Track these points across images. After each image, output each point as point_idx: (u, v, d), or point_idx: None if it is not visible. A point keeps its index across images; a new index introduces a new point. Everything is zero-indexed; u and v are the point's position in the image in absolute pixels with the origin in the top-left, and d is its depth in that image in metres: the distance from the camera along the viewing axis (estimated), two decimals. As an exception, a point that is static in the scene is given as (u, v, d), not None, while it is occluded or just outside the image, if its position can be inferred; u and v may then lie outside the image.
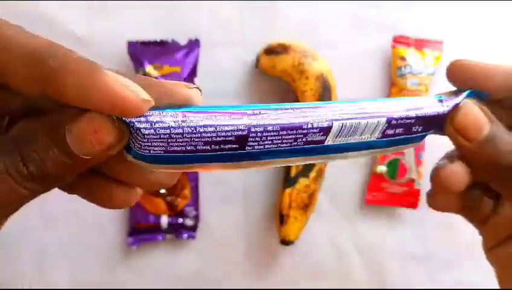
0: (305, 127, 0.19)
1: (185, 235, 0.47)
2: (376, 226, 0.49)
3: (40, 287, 0.47)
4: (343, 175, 0.49)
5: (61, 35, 0.44)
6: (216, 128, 0.18)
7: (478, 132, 0.22)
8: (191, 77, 0.46)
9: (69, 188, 0.21)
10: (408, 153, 0.47)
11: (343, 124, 0.19)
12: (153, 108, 0.17)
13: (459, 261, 0.49)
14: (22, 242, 0.47)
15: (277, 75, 0.46)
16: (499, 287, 0.25)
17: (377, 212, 0.49)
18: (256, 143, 0.18)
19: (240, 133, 0.18)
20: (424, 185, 0.47)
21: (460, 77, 0.26)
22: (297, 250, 0.48)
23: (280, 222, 0.45)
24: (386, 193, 0.48)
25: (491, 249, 0.25)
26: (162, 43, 0.45)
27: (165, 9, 0.46)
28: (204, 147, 0.18)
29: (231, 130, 0.18)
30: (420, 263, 0.49)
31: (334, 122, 0.19)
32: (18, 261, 0.47)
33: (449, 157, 0.24)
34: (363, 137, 0.21)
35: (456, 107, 0.23)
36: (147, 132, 0.17)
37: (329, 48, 0.47)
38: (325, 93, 0.44)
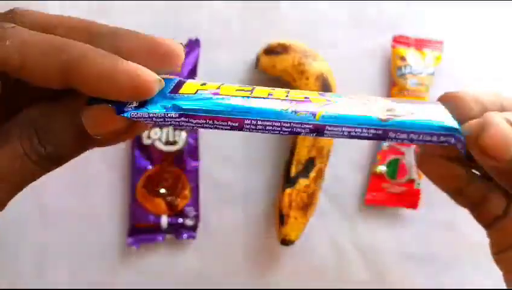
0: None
1: (185, 235, 0.47)
2: (376, 226, 0.49)
3: (40, 287, 0.47)
4: (343, 175, 0.49)
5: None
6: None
7: (508, 151, 0.19)
8: (191, 76, 0.46)
9: None
10: (408, 153, 0.47)
11: None
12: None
13: (460, 262, 0.49)
14: (22, 242, 0.47)
15: (277, 75, 0.46)
16: (499, 288, 0.24)
17: (377, 212, 0.49)
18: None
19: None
20: (424, 185, 0.47)
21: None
22: (297, 250, 0.48)
23: (280, 222, 0.45)
24: (386, 193, 0.48)
25: (499, 253, 0.24)
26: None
27: (165, 9, 0.46)
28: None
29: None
30: (420, 263, 0.49)
31: None
32: (18, 261, 0.47)
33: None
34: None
35: (479, 122, 0.19)
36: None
37: (329, 47, 0.47)
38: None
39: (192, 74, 0.46)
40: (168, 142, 0.46)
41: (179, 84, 0.20)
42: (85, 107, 0.18)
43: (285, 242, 0.45)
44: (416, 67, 0.47)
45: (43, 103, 0.19)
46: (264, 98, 0.20)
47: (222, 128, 0.20)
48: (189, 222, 0.47)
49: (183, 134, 0.47)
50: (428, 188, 0.47)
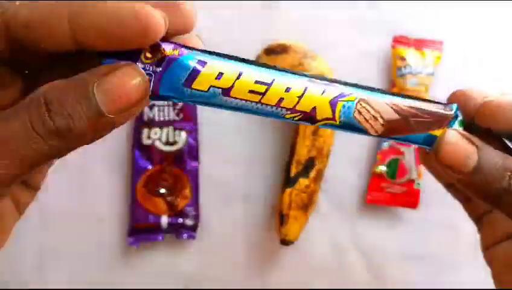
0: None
1: (185, 235, 0.47)
2: (376, 226, 0.49)
3: (40, 287, 0.47)
4: (343, 175, 0.49)
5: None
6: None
7: (465, 165, 0.21)
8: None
9: None
10: (408, 153, 0.47)
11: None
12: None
13: (460, 261, 0.49)
14: (22, 242, 0.47)
15: (277, 75, 0.46)
16: (499, 288, 0.25)
17: (377, 212, 0.49)
18: None
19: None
20: (424, 185, 0.47)
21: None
22: (297, 250, 0.48)
23: (280, 222, 0.45)
24: (386, 193, 0.48)
25: (488, 248, 0.25)
26: (162, 43, 0.45)
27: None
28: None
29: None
30: (420, 263, 0.49)
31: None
32: (18, 261, 0.47)
33: None
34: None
35: (438, 138, 0.22)
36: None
37: (329, 48, 0.47)
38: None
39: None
40: (168, 142, 0.46)
41: (195, 73, 0.20)
42: (100, 77, 0.17)
43: (285, 242, 0.45)
44: (416, 67, 0.47)
45: (57, 79, 0.18)
46: (271, 105, 0.21)
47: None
48: (189, 222, 0.47)
49: (183, 134, 0.47)
50: (428, 188, 0.47)
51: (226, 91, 0.21)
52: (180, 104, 0.47)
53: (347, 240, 0.49)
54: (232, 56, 0.21)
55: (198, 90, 0.20)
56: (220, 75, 0.20)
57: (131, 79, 0.18)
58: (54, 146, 0.17)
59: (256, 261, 0.49)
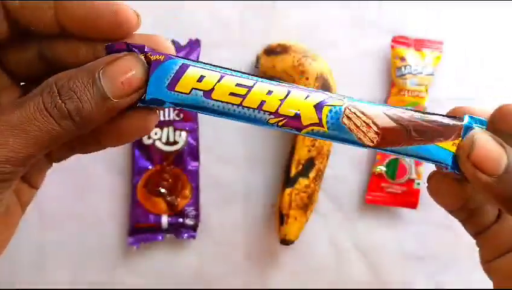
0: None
1: (185, 235, 0.47)
2: (376, 226, 0.49)
3: (40, 287, 0.47)
4: (343, 175, 0.49)
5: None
6: None
7: (497, 165, 0.20)
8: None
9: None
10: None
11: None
12: None
13: (459, 261, 0.49)
14: (22, 242, 0.47)
15: (277, 75, 0.46)
16: (499, 288, 0.24)
17: (377, 212, 0.49)
18: None
19: None
20: (424, 185, 0.47)
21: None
22: (297, 250, 0.48)
23: (280, 221, 0.45)
24: (386, 193, 0.48)
25: (490, 261, 0.24)
26: (162, 43, 0.45)
27: (165, 9, 0.47)
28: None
29: None
30: (420, 263, 0.49)
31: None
32: (18, 261, 0.47)
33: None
34: None
35: (467, 138, 0.21)
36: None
37: (329, 48, 0.47)
38: (325, 93, 0.44)
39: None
40: (168, 142, 0.46)
41: (178, 75, 0.21)
42: (105, 65, 0.20)
43: (285, 242, 0.45)
44: (415, 67, 0.47)
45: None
46: (253, 109, 0.21)
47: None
48: (189, 222, 0.47)
49: (184, 134, 0.47)
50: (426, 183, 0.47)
51: (207, 93, 0.21)
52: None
53: (347, 240, 0.49)
54: (217, 65, 0.22)
55: (180, 92, 0.21)
56: (201, 78, 0.21)
57: (133, 66, 0.20)
58: (65, 127, 0.19)
59: (256, 261, 0.49)
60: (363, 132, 0.21)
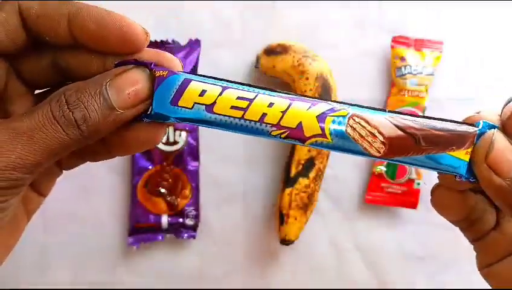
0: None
1: (185, 235, 0.47)
2: (376, 226, 0.49)
3: (41, 287, 0.47)
4: (343, 175, 0.49)
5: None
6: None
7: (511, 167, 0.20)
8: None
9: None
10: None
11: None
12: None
13: (459, 261, 0.49)
14: (22, 242, 0.46)
15: (277, 75, 0.46)
16: (499, 288, 0.25)
17: (377, 212, 0.49)
18: None
19: None
20: (424, 185, 0.47)
21: None
22: (297, 250, 0.48)
23: (280, 221, 0.45)
24: (386, 193, 0.48)
25: (488, 266, 0.25)
26: (162, 43, 0.45)
27: (165, 9, 0.47)
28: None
29: None
30: (420, 263, 0.49)
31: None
32: (18, 261, 0.47)
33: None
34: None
35: (484, 140, 0.20)
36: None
37: (329, 48, 0.47)
38: (324, 93, 0.44)
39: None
40: (168, 142, 0.46)
41: (181, 90, 0.21)
42: (112, 77, 0.20)
43: (285, 242, 0.45)
44: (415, 67, 0.47)
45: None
46: (254, 121, 0.21)
47: None
48: (189, 222, 0.47)
49: (184, 134, 0.47)
50: (428, 188, 0.47)
51: (209, 107, 0.21)
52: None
53: (347, 240, 0.49)
54: (219, 78, 0.22)
55: (183, 107, 0.21)
56: (203, 92, 0.21)
57: (139, 79, 0.21)
58: (72, 136, 0.20)
59: (256, 261, 0.49)
60: (368, 142, 0.21)
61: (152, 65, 0.21)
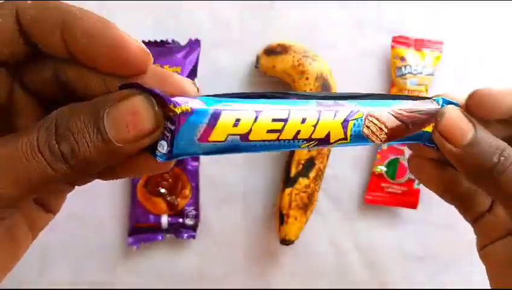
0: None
1: (185, 235, 0.47)
2: (376, 226, 0.49)
3: (41, 287, 0.47)
4: (343, 175, 0.49)
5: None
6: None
7: (463, 136, 0.22)
8: (191, 77, 0.46)
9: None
10: (408, 152, 0.47)
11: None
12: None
13: (459, 261, 0.49)
14: (22, 242, 0.47)
15: (277, 75, 0.46)
16: (498, 288, 0.25)
17: (377, 212, 0.49)
18: None
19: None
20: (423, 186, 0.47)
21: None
22: (297, 250, 0.48)
23: (280, 221, 0.45)
24: (386, 193, 0.48)
25: (484, 247, 0.25)
26: (162, 43, 0.45)
27: (165, 9, 0.47)
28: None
29: None
30: (420, 263, 0.49)
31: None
32: (19, 261, 0.47)
33: None
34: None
35: (438, 112, 0.23)
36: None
37: (329, 48, 0.47)
38: (325, 93, 0.44)
39: (193, 74, 0.46)
40: (168, 142, 0.46)
41: (211, 125, 0.18)
42: (110, 105, 0.17)
43: (285, 242, 0.45)
44: (415, 67, 0.47)
45: (68, 104, 0.18)
46: (289, 140, 0.20)
47: None
48: (189, 222, 0.47)
49: (183, 134, 0.47)
50: (427, 188, 0.47)
51: (244, 136, 0.19)
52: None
53: (347, 240, 0.49)
54: (245, 95, 0.20)
55: (215, 141, 0.19)
56: (237, 122, 0.19)
57: (142, 108, 0.17)
58: (58, 170, 0.17)
59: (256, 261, 0.49)
60: (376, 135, 0.22)
61: (161, 93, 0.18)
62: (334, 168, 0.48)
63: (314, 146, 0.21)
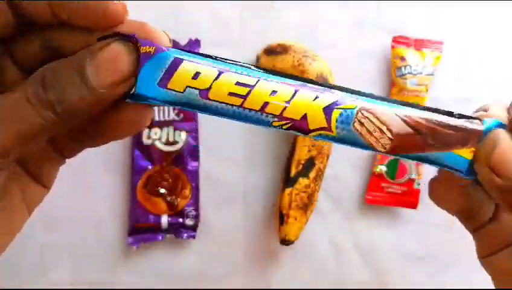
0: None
1: (185, 235, 0.47)
2: (376, 226, 0.49)
3: (41, 287, 0.47)
4: (343, 175, 0.49)
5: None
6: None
7: None
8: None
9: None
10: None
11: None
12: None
13: (459, 261, 0.49)
14: (23, 242, 0.47)
15: (277, 75, 0.46)
16: (498, 288, 0.25)
17: (377, 212, 0.49)
18: None
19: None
20: (424, 185, 0.47)
21: None
22: (297, 250, 0.48)
23: (280, 221, 0.45)
24: (386, 193, 0.48)
25: (488, 256, 0.24)
26: (162, 43, 0.45)
27: (165, 9, 0.47)
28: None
29: None
30: (420, 263, 0.49)
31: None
32: (18, 261, 0.47)
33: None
34: None
35: (488, 137, 0.19)
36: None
37: (329, 48, 0.47)
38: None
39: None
40: (168, 142, 0.46)
41: (171, 71, 0.19)
42: (91, 54, 0.19)
43: (285, 242, 0.45)
44: (416, 67, 0.47)
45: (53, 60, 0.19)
46: (255, 110, 0.19)
47: None
48: (189, 222, 0.47)
49: (183, 134, 0.47)
50: (427, 188, 0.47)
51: (203, 92, 0.19)
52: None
53: (347, 240, 0.49)
54: (214, 56, 0.19)
55: (174, 90, 0.19)
56: (196, 74, 0.19)
57: (120, 53, 0.19)
58: (47, 118, 0.18)
59: (256, 261, 0.49)
60: (375, 137, 0.19)
61: (135, 37, 0.19)
62: (334, 168, 0.48)
63: (289, 128, 0.19)
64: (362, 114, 0.19)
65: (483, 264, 0.25)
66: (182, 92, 0.19)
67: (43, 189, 0.23)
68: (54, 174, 0.24)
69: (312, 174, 0.45)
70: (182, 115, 0.47)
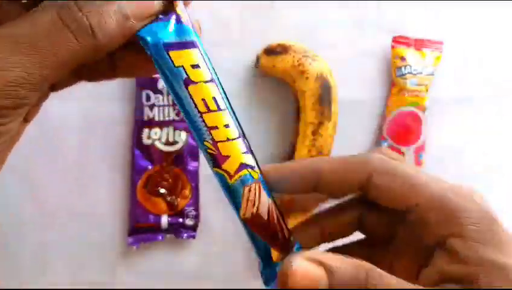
0: None
1: (185, 235, 0.47)
2: (376, 226, 0.49)
3: (41, 287, 0.47)
4: (343, 175, 0.49)
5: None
6: None
7: (319, 286, 0.19)
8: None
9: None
10: (408, 153, 0.47)
11: None
12: None
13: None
14: (22, 242, 0.47)
15: (277, 75, 0.46)
16: (498, 288, 0.24)
17: (376, 212, 0.49)
18: None
19: None
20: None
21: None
22: (297, 250, 0.48)
23: (280, 222, 0.45)
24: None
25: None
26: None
27: (165, 9, 0.47)
28: None
29: None
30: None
31: None
32: (18, 261, 0.47)
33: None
34: None
35: (280, 271, 0.20)
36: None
37: (329, 48, 0.47)
38: (324, 93, 0.44)
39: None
40: (168, 142, 0.46)
41: (181, 45, 0.21)
42: None
43: (285, 242, 0.45)
44: (416, 67, 0.47)
45: None
46: (205, 125, 0.21)
47: None
48: (189, 222, 0.47)
49: (183, 134, 0.47)
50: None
51: (189, 82, 0.21)
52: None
53: (347, 239, 0.49)
54: (217, 75, 0.22)
55: (171, 59, 0.20)
56: (195, 66, 0.21)
57: None
58: (85, 44, 0.17)
59: (255, 261, 0.49)
60: (247, 205, 0.22)
61: None
62: (334, 168, 0.48)
63: (209, 155, 0.21)
64: (255, 185, 0.23)
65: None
66: (174, 66, 0.20)
67: (24, 123, 0.22)
68: (37, 110, 0.23)
69: (312, 174, 0.45)
70: (182, 115, 0.47)
